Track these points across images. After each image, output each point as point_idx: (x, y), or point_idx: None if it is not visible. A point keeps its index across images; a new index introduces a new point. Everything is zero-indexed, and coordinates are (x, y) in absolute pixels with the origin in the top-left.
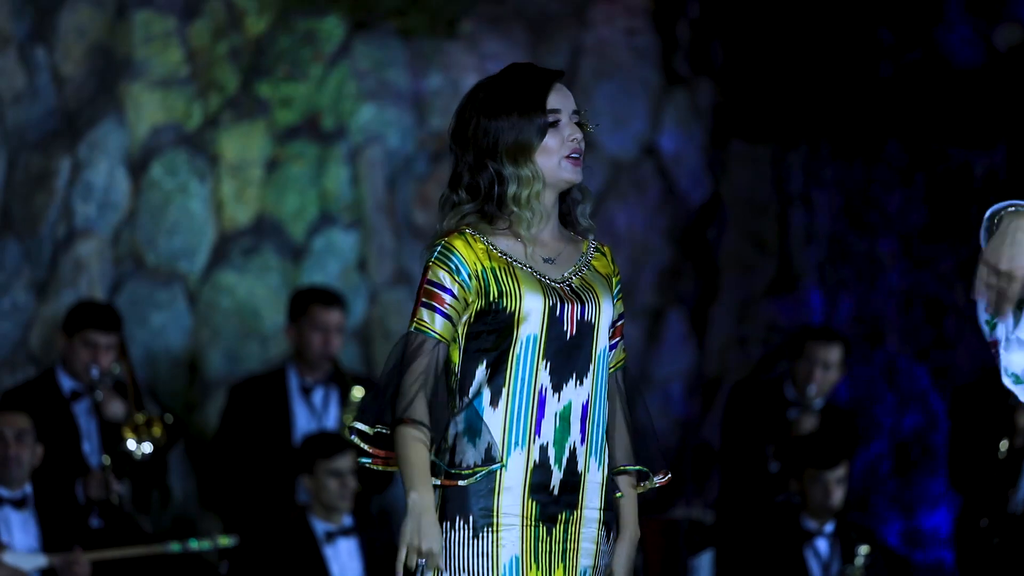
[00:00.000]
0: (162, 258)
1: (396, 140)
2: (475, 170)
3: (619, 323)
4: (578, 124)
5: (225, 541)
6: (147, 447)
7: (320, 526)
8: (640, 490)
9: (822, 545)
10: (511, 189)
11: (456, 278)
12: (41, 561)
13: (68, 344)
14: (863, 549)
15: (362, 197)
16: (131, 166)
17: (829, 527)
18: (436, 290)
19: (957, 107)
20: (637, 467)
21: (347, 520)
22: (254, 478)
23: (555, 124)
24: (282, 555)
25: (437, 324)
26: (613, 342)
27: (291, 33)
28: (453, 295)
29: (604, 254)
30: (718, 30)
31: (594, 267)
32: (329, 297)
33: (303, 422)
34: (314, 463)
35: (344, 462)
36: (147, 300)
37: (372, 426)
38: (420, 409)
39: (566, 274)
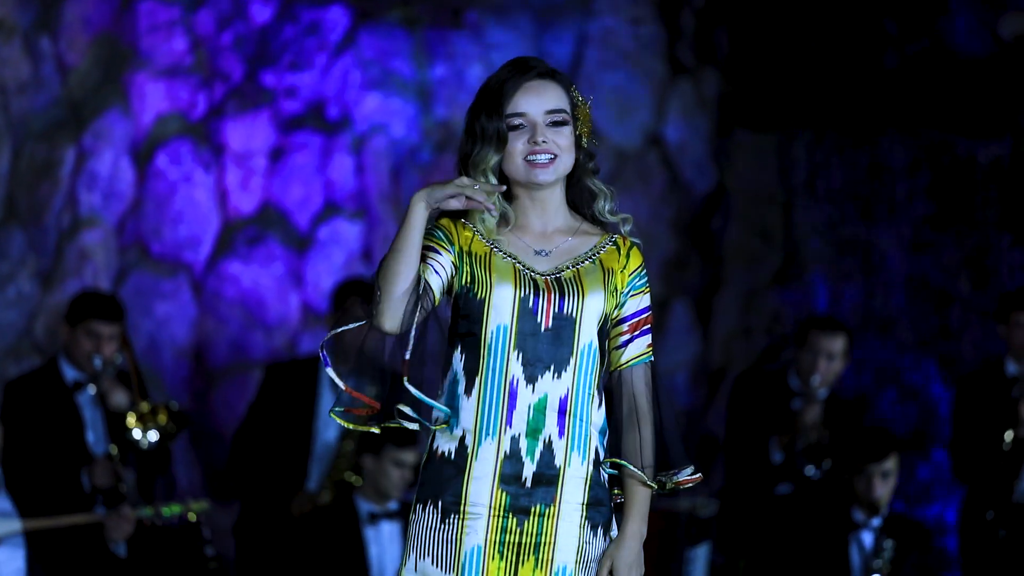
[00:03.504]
0: (167, 248)
1: (401, 130)
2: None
3: (636, 318)
4: (559, 123)
5: (198, 507)
6: (153, 435)
7: (365, 506)
8: (656, 488)
9: (867, 538)
10: None
11: (442, 244)
12: (16, 526)
13: (71, 334)
14: (888, 543)
15: (367, 187)
16: (136, 155)
17: (876, 521)
18: (423, 251)
19: (962, 97)
20: (619, 461)
21: (392, 504)
22: (272, 462)
23: (517, 128)
24: (323, 532)
25: (426, 273)
26: (627, 337)
27: (296, 23)
28: (439, 253)
29: (618, 247)
30: (723, 20)
31: (600, 260)
32: (364, 290)
33: (326, 411)
34: (383, 447)
35: (410, 455)
36: (152, 290)
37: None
38: None
39: (558, 266)
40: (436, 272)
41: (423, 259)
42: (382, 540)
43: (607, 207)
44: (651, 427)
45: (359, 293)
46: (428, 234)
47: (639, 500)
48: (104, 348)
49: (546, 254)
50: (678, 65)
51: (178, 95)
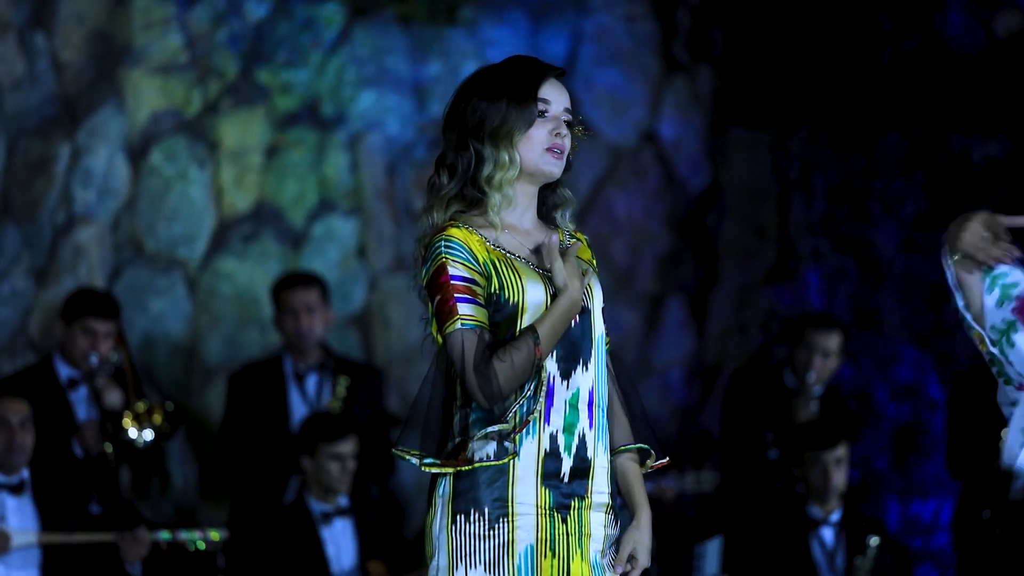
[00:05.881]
0: (162, 244)
1: (396, 127)
2: (458, 149)
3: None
4: (567, 123)
5: (215, 535)
6: (148, 435)
7: (317, 507)
8: (644, 470)
9: (827, 534)
10: (486, 170)
11: (470, 266)
12: (31, 539)
13: (66, 331)
14: (873, 540)
15: (362, 184)
16: (131, 152)
17: (835, 516)
18: (461, 283)
19: (957, 94)
20: (639, 446)
21: (343, 501)
22: (255, 465)
23: (543, 114)
24: (280, 536)
25: (483, 315)
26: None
27: (291, 19)
28: (477, 283)
29: (580, 241)
30: (718, 17)
31: (579, 256)
32: (293, 279)
33: (297, 408)
34: (316, 446)
35: (346, 447)
36: (147, 287)
37: (423, 458)
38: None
39: None
40: (486, 308)
41: (472, 296)
42: (337, 538)
43: (568, 214)
44: (631, 412)
45: (284, 284)
46: (453, 257)
47: (643, 484)
48: (100, 346)
49: (537, 252)
50: (673, 62)
51: (173, 92)
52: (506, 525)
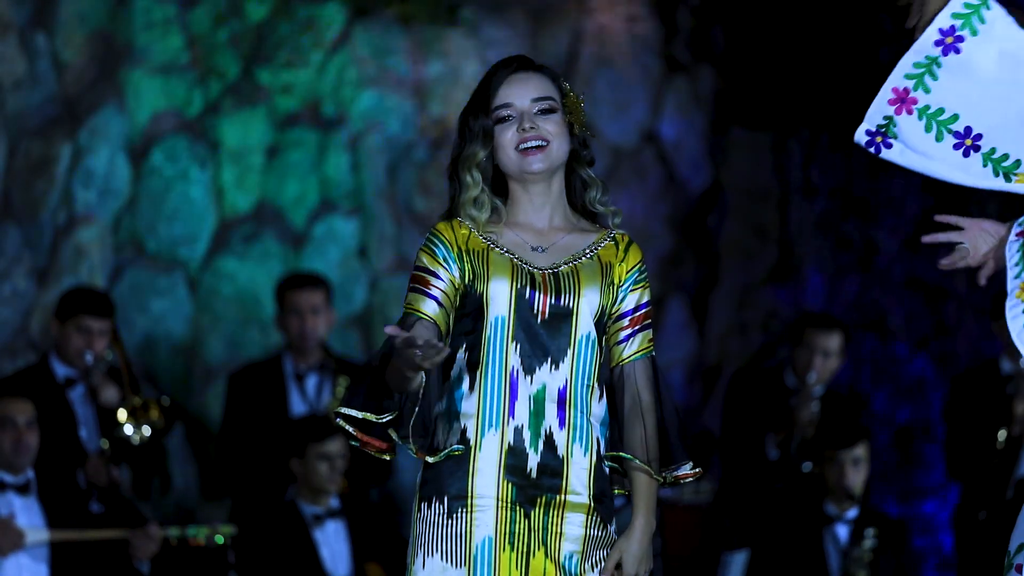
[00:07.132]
0: (162, 245)
1: (396, 127)
2: (450, 180)
3: (637, 313)
4: (547, 111)
5: (225, 530)
6: (146, 430)
7: (308, 509)
8: (663, 482)
9: (842, 531)
10: (460, 197)
11: (438, 260)
12: (44, 536)
13: (61, 330)
14: (870, 531)
15: (362, 184)
16: (131, 153)
17: (851, 513)
18: (422, 274)
19: None
20: (623, 455)
21: (334, 502)
22: (255, 465)
23: (505, 119)
24: (273, 540)
25: (425, 306)
26: (628, 332)
27: (292, 20)
28: (439, 277)
29: (617, 243)
30: (719, 17)
31: (598, 256)
32: (299, 280)
33: (297, 409)
34: (305, 447)
35: (334, 446)
36: (147, 287)
37: (353, 410)
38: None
39: (555, 262)
40: (438, 302)
41: (424, 287)
42: (330, 540)
43: (598, 197)
44: (654, 421)
45: (290, 284)
46: (427, 250)
47: (646, 493)
48: (95, 344)
49: (543, 250)
50: (674, 62)
51: (174, 92)
52: (464, 515)
